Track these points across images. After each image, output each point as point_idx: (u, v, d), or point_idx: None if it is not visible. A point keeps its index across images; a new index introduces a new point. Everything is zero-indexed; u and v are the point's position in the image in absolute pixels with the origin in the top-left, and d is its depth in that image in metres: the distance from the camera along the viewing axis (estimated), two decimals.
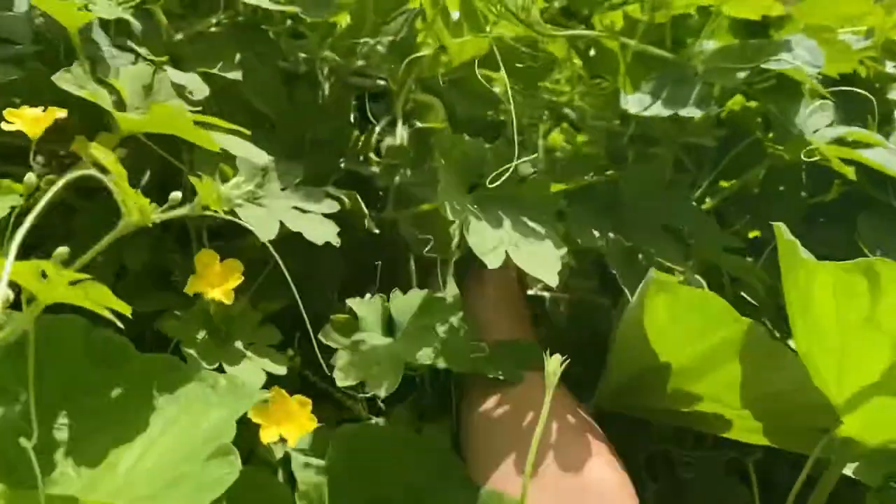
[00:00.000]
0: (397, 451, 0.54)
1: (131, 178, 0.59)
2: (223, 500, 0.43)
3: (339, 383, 0.52)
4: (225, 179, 0.51)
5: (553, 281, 0.53)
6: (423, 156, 0.68)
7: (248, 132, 0.49)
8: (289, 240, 0.61)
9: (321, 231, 0.51)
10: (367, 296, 0.62)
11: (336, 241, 0.52)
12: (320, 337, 0.54)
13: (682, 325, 0.57)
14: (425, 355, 0.52)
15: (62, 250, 0.40)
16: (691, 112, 0.63)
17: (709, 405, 0.59)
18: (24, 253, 0.38)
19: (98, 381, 0.47)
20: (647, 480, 0.65)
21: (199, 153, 0.51)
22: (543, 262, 0.54)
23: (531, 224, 0.56)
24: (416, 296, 0.56)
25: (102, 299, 0.35)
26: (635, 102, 0.65)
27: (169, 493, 0.37)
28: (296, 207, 0.52)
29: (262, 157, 0.49)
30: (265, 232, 0.48)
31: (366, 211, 0.58)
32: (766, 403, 0.56)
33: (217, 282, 0.50)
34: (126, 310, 0.32)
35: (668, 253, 0.62)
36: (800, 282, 0.51)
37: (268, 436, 0.47)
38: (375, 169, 0.64)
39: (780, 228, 0.52)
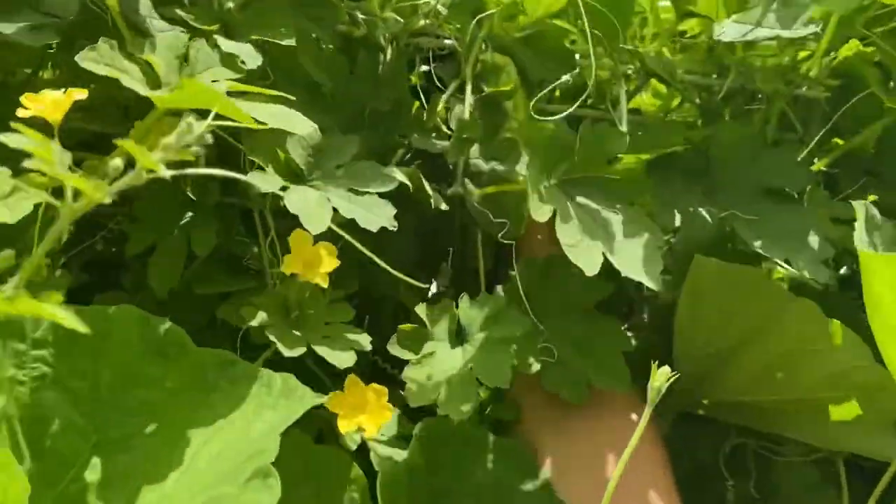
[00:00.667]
0: (480, 452, 0.52)
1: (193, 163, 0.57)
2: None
3: (412, 404, 0.49)
4: (278, 164, 0.48)
5: (656, 285, 0.47)
6: (494, 126, 0.63)
7: (292, 98, 0.45)
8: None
9: (377, 215, 0.48)
10: (434, 285, 0.59)
11: (393, 226, 0.48)
12: (388, 349, 0.51)
13: (731, 306, 0.53)
14: (498, 377, 0.48)
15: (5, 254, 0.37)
16: (797, 33, 0.55)
17: (767, 392, 0.54)
18: None
19: (154, 374, 0.46)
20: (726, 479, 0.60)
21: (254, 134, 0.48)
22: (643, 261, 0.48)
23: (624, 215, 0.50)
24: (487, 303, 0.52)
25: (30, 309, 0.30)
26: (732, 30, 0.57)
27: None
28: (351, 189, 0.49)
29: (305, 127, 0.45)
30: (314, 224, 0.45)
31: (430, 190, 0.54)
32: (826, 388, 0.52)
33: (312, 263, 0.49)
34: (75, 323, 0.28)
35: (772, 221, 0.55)
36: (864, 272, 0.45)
37: (346, 426, 0.46)
38: (443, 143, 0.59)
39: (857, 206, 0.46)
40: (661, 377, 0.42)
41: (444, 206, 0.55)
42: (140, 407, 0.45)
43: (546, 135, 0.52)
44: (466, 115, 0.58)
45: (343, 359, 0.48)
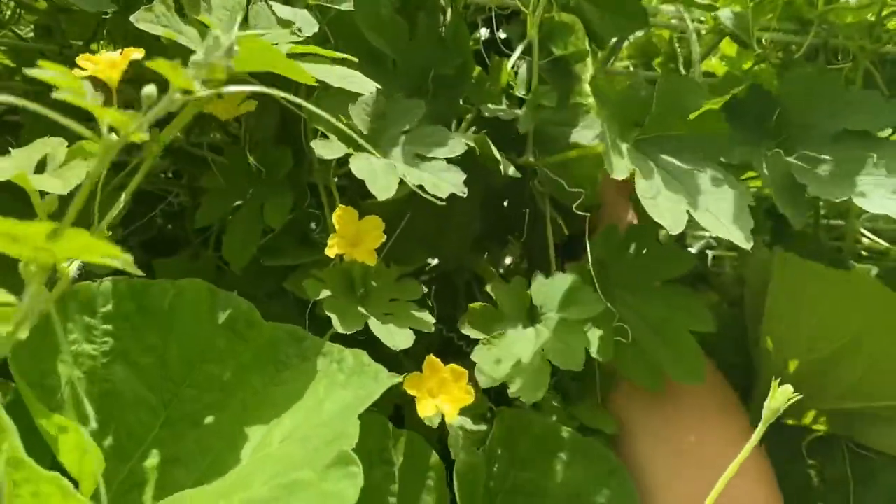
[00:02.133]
0: (567, 452, 0.50)
1: (256, 133, 0.56)
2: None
3: (483, 386, 0.47)
4: (341, 130, 0.46)
5: (747, 243, 0.44)
6: (564, 91, 0.60)
7: (354, 59, 0.43)
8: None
9: (445, 181, 0.45)
10: (507, 260, 0.57)
11: (463, 192, 0.46)
12: (459, 327, 0.49)
13: (834, 310, 0.50)
14: (572, 361, 0.46)
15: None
16: None
17: (867, 398, 0.51)
18: None
19: (223, 349, 0.45)
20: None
21: (317, 99, 0.46)
22: (733, 219, 0.45)
23: (708, 171, 0.47)
24: (561, 282, 0.50)
25: (88, 250, 0.28)
26: None
27: (286, 500, 0.33)
28: (417, 155, 0.46)
29: (369, 87, 0.43)
30: (381, 190, 0.43)
31: (498, 156, 0.51)
32: None
33: (358, 240, 0.46)
34: (116, 254, 0.27)
35: (852, 160, 0.50)
36: None
37: (425, 409, 0.44)
38: (511, 110, 0.56)
39: None
40: (780, 397, 0.39)
41: (513, 172, 0.53)
42: (209, 383, 0.44)
43: (620, 92, 0.49)
44: (535, 81, 0.56)
45: (399, 340, 0.46)
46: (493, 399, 0.50)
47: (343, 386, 0.42)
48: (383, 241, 0.47)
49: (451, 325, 0.53)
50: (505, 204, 0.61)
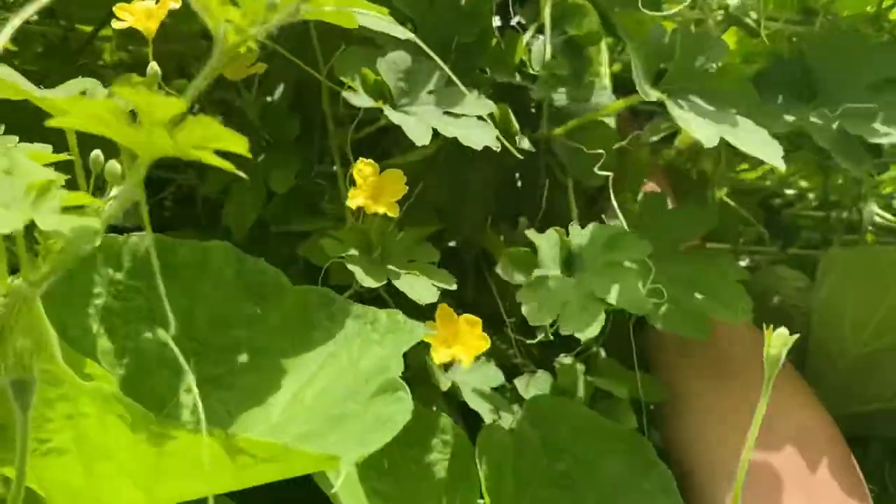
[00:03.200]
0: (600, 437, 0.49)
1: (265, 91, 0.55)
2: None
3: (532, 322, 0.46)
4: (368, 84, 0.45)
5: (780, 164, 0.45)
6: (577, 71, 0.60)
7: (385, 10, 0.43)
8: (436, 162, 0.56)
9: (478, 135, 0.45)
10: (522, 221, 0.56)
11: (496, 146, 0.46)
12: (497, 270, 0.48)
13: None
14: (623, 296, 0.45)
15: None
16: None
17: None
18: None
19: (250, 314, 0.43)
20: None
21: (340, 60, 0.46)
22: (764, 143, 0.45)
23: (735, 114, 0.47)
24: (603, 229, 0.49)
25: (216, 138, 0.26)
26: None
27: (335, 430, 0.32)
28: (447, 112, 0.46)
29: (404, 33, 0.43)
30: (419, 136, 0.42)
31: (516, 125, 0.51)
32: None
33: (379, 194, 0.45)
34: (242, 147, 0.25)
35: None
36: None
37: (440, 356, 0.43)
38: (526, 83, 0.57)
39: None
40: (777, 342, 0.36)
41: (527, 145, 0.52)
42: (237, 346, 0.42)
43: (644, 36, 0.49)
44: (549, 53, 0.56)
45: (425, 294, 0.45)
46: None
47: (378, 343, 0.41)
48: (405, 193, 0.47)
49: (460, 302, 0.53)
50: (519, 184, 0.61)
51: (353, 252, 0.46)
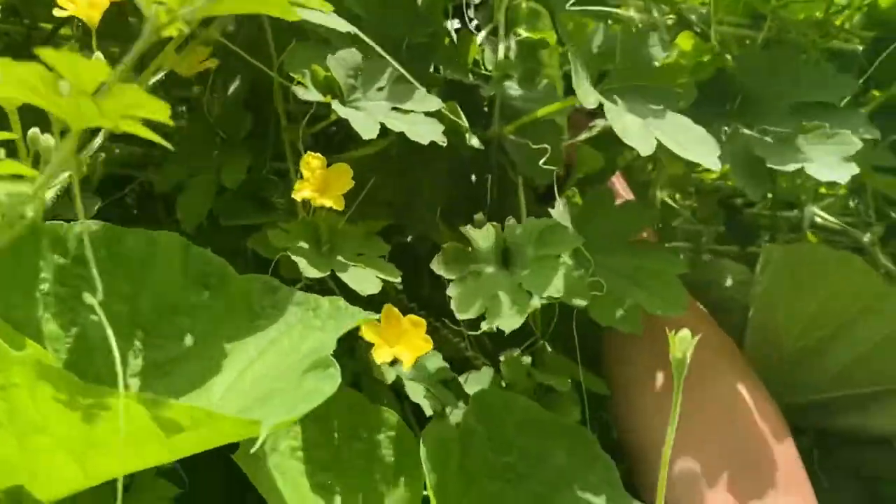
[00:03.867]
0: (545, 432, 0.50)
1: (221, 88, 0.56)
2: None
3: (459, 316, 0.47)
4: (317, 80, 0.47)
5: (715, 165, 0.46)
6: (530, 73, 0.62)
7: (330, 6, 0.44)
8: (388, 159, 0.57)
9: (425, 129, 0.46)
10: (477, 219, 0.57)
11: (442, 141, 0.47)
12: (432, 266, 0.49)
13: (830, 294, 0.52)
14: (552, 288, 0.47)
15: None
16: None
17: (856, 384, 0.53)
18: None
19: (195, 303, 0.44)
20: None
21: (290, 55, 0.47)
22: (700, 143, 0.46)
23: (673, 114, 0.49)
24: (535, 224, 0.50)
25: (140, 106, 0.26)
26: None
27: (265, 405, 0.33)
28: (395, 108, 0.47)
29: (346, 26, 0.44)
30: (366, 130, 0.44)
31: (466, 122, 0.53)
32: None
33: (326, 186, 0.46)
34: (164, 115, 0.26)
35: (807, 130, 0.52)
36: None
37: (381, 356, 0.44)
38: (479, 82, 0.58)
39: None
40: (681, 344, 0.35)
41: (476, 143, 0.54)
42: (181, 333, 0.43)
43: (585, 40, 0.51)
44: (501, 53, 0.58)
45: (368, 285, 0.46)
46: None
47: (321, 329, 0.42)
48: (356, 189, 0.47)
49: (415, 298, 0.54)
50: (473, 181, 0.62)
51: (302, 244, 0.47)
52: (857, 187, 0.70)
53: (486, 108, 0.60)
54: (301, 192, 0.46)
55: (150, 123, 0.62)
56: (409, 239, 0.60)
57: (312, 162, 0.46)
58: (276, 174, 0.55)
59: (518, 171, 0.57)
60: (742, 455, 0.50)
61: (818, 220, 0.66)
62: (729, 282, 0.61)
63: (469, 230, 0.50)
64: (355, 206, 0.52)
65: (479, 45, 0.59)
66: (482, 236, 0.49)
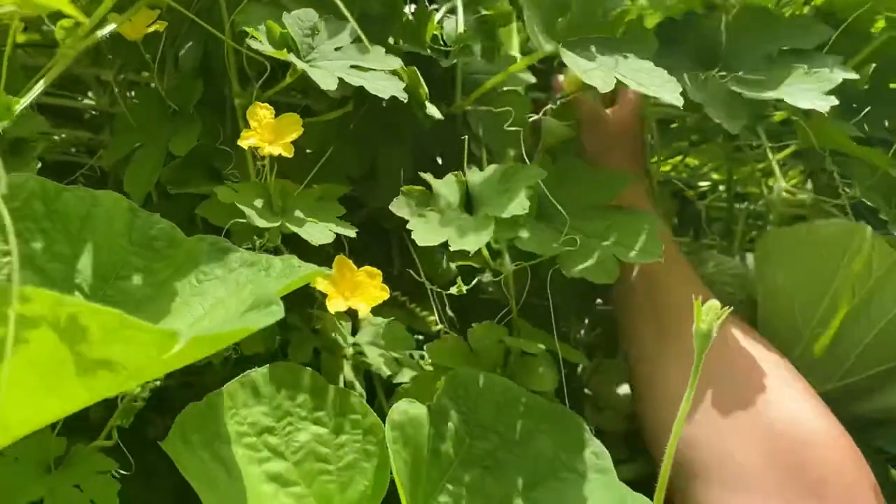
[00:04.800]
0: (526, 414, 0.47)
1: (170, 52, 0.54)
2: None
3: (420, 242, 0.45)
4: (273, 37, 0.45)
5: (678, 101, 0.44)
6: (490, 45, 0.61)
7: None
8: (348, 129, 0.55)
9: (386, 85, 0.45)
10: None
11: (403, 97, 0.46)
12: (391, 207, 0.47)
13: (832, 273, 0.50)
14: (516, 205, 0.45)
15: None
16: None
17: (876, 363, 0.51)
18: None
19: (140, 266, 0.42)
20: None
21: (242, 12, 0.46)
22: (663, 83, 0.45)
23: (633, 59, 0.48)
24: (498, 168, 0.49)
25: None
26: None
27: (208, 345, 0.30)
28: (354, 66, 0.46)
29: None
30: (326, 82, 0.42)
31: (426, 88, 0.51)
32: None
33: (275, 136, 0.44)
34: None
35: (785, 71, 0.51)
36: None
37: (335, 305, 0.42)
38: (437, 55, 0.57)
39: None
40: (709, 316, 0.34)
41: (435, 112, 0.52)
42: (123, 297, 0.41)
43: None
44: (461, 26, 0.57)
45: (318, 236, 0.44)
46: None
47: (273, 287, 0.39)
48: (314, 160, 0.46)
49: (385, 278, 0.51)
50: (436, 145, 0.60)
51: (255, 203, 0.45)
52: (812, 172, 0.69)
53: (449, 86, 0.59)
54: (248, 140, 0.44)
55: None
56: (379, 220, 0.58)
57: (260, 112, 0.44)
58: (233, 147, 0.53)
59: (483, 141, 0.55)
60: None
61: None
62: (724, 276, 0.58)
63: (430, 178, 0.48)
64: (312, 177, 0.50)
65: (438, 23, 0.58)
66: (444, 183, 0.48)
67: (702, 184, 0.79)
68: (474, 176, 0.49)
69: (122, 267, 0.41)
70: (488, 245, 0.49)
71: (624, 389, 0.63)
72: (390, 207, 0.47)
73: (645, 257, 0.46)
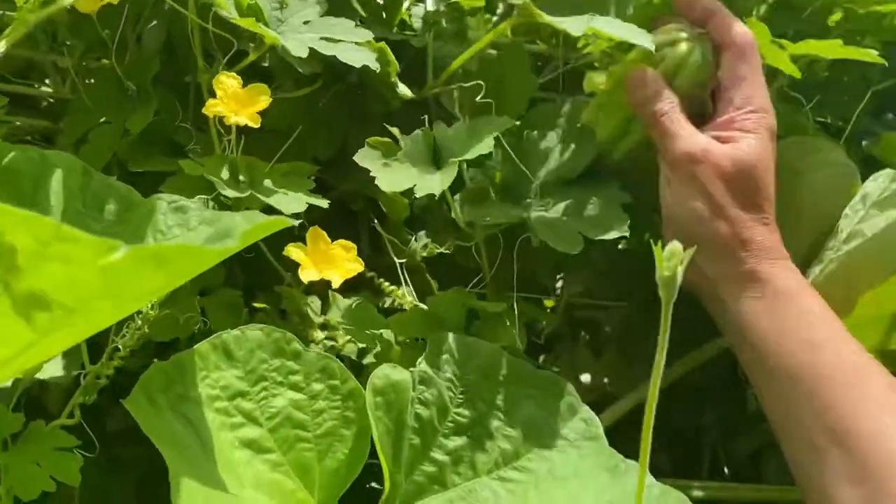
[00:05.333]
0: (512, 380, 0.45)
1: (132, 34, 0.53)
2: None
3: (384, 188, 0.44)
4: (241, 7, 0.44)
5: (651, 46, 0.44)
6: (460, 28, 0.61)
7: None
8: (316, 108, 0.54)
9: (357, 55, 0.44)
10: None
11: (375, 66, 0.46)
12: (355, 159, 0.46)
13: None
14: (483, 146, 0.44)
15: None
16: None
17: None
18: None
19: (95, 229, 0.40)
20: None
21: None
22: (631, 30, 0.45)
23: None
24: (465, 124, 0.48)
25: None
26: None
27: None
28: (324, 38, 0.45)
29: None
30: (297, 50, 0.42)
31: (396, 63, 0.51)
32: None
33: (241, 106, 0.43)
34: None
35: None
36: None
37: (307, 275, 0.40)
38: (407, 37, 0.57)
39: None
40: (672, 257, 0.30)
41: (407, 91, 0.52)
42: None
43: None
44: (431, 6, 0.57)
45: (290, 206, 0.43)
46: None
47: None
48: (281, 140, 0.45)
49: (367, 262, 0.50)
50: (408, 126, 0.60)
51: (223, 175, 0.43)
52: None
53: (420, 70, 0.59)
54: (214, 109, 0.42)
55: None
56: (347, 203, 0.57)
57: (226, 81, 0.43)
58: (197, 127, 0.52)
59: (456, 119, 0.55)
60: None
61: None
62: None
63: (397, 131, 0.47)
64: (279, 157, 0.49)
65: (407, 10, 0.58)
66: (411, 137, 0.47)
67: None
68: (443, 131, 0.48)
69: (77, 228, 0.39)
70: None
71: (585, 378, 0.62)
72: (354, 158, 0.46)
73: (609, 232, 0.46)
